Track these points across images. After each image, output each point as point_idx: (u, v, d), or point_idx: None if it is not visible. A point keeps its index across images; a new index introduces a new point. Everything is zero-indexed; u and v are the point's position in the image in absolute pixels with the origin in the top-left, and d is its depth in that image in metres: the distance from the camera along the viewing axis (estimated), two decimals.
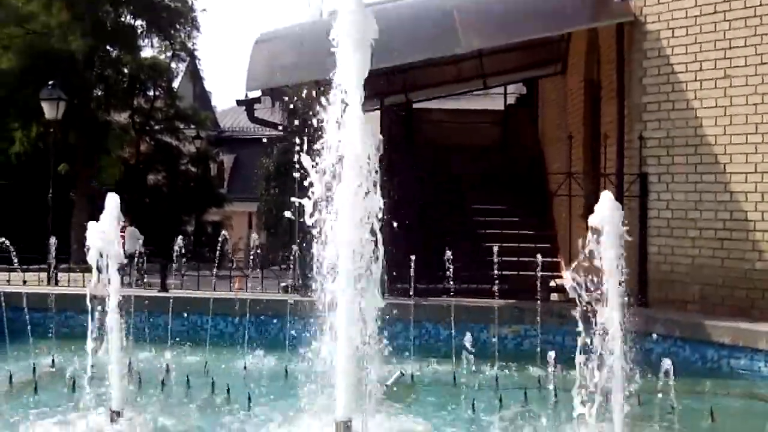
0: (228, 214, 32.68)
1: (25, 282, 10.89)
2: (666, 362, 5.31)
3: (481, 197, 14.06)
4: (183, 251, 9.84)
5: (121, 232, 17.08)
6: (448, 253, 8.72)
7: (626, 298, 5.92)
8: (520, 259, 11.05)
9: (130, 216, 21.27)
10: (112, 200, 6.02)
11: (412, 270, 8.73)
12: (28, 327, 8.11)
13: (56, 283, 12.16)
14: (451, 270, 8.96)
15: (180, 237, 9.10)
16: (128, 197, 25.44)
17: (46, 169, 15.00)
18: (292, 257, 9.02)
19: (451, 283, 8.94)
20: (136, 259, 11.28)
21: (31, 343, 7.94)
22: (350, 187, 6.02)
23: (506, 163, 15.14)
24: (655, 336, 8.07)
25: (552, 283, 11.47)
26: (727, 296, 8.81)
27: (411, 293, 8.92)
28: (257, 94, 10.24)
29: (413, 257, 8.78)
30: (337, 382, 6.03)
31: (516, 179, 14.49)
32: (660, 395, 6.15)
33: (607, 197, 5.52)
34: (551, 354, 5.61)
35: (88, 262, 5.91)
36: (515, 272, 10.75)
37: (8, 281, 10.85)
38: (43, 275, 12.06)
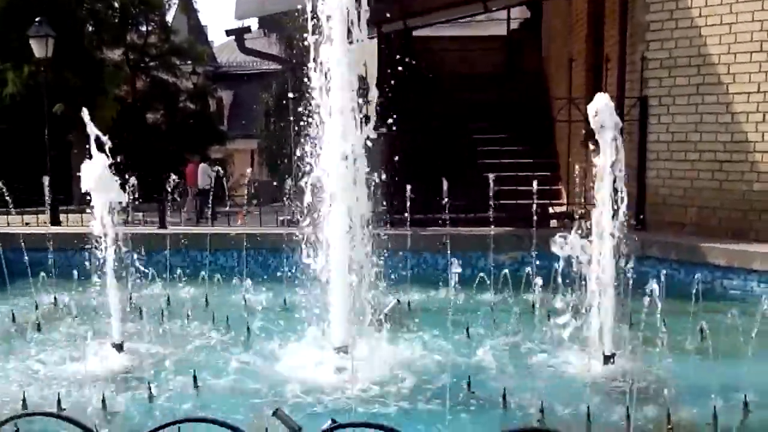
0: (230, 152, 32.54)
1: (27, 224, 10.93)
2: (652, 284, 5.31)
3: (483, 126, 13.87)
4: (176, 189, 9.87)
5: (192, 167, 17.22)
6: (446, 184, 8.66)
7: (622, 217, 5.94)
8: (521, 187, 10.98)
9: (201, 155, 21.36)
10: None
11: (407, 200, 8.69)
12: (29, 267, 8.15)
13: (58, 223, 12.18)
14: (448, 200, 8.93)
15: (173, 175, 9.01)
16: (127, 136, 25.48)
17: (42, 111, 14.80)
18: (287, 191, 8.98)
19: (448, 212, 8.92)
20: (209, 194, 11.52)
21: (32, 282, 8.01)
22: (335, 117, 5.98)
23: (510, 91, 14.85)
24: (651, 258, 8.10)
25: (551, 210, 11.46)
26: (724, 218, 8.78)
27: (407, 223, 8.90)
28: (248, 23, 10.02)
29: (409, 187, 8.72)
30: (332, 310, 6.15)
31: (519, 107, 14.23)
32: (651, 316, 6.20)
33: (602, 96, 5.78)
34: (538, 281, 5.60)
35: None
36: (515, 201, 10.70)
37: (8, 224, 10.86)
38: (44, 216, 12.06)
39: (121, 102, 24.84)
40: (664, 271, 8.04)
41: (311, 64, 5.88)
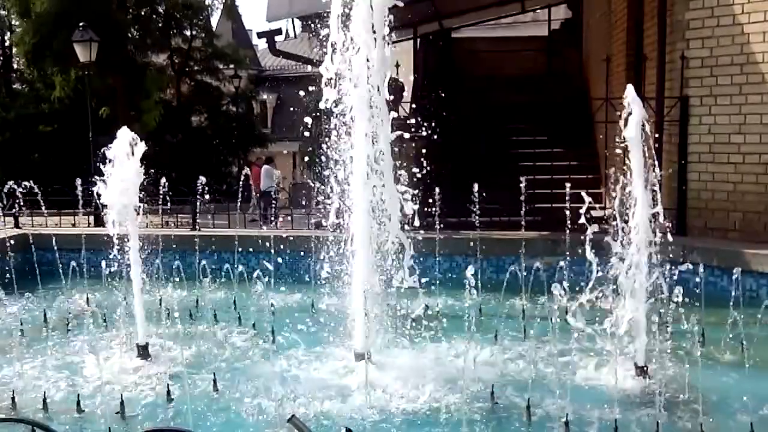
0: (272, 155, 32.78)
1: (74, 225, 11.09)
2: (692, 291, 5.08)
3: (522, 128, 13.63)
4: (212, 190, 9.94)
5: (257, 169, 17.60)
6: (477, 186, 8.51)
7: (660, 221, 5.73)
8: (559, 191, 10.73)
9: (265, 156, 21.70)
10: (123, 139, 6.00)
11: (437, 203, 8.56)
12: (70, 268, 8.25)
13: (102, 225, 12.36)
14: (483, 203, 8.77)
15: (202, 177, 9.07)
16: (171, 139, 25.90)
17: (89, 114, 15.19)
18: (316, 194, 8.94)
19: (482, 216, 8.76)
20: (272, 195, 11.60)
21: (80, 283, 8.10)
22: (361, 122, 5.89)
23: (550, 92, 14.58)
24: (691, 265, 7.78)
25: (591, 214, 11.14)
26: None
27: (439, 226, 8.77)
28: (282, 25, 9.99)
29: (437, 190, 8.59)
30: (353, 315, 6.06)
31: (559, 108, 13.95)
32: (691, 325, 5.95)
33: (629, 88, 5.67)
34: (557, 286, 5.43)
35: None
36: (551, 204, 10.45)
37: (57, 224, 11.05)
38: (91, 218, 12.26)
39: (166, 105, 25.30)
40: (706, 279, 7.82)
41: (330, 65, 5.79)
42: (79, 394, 4.93)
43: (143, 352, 6.07)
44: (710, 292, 7.54)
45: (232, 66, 28.09)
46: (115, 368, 5.75)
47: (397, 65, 10.80)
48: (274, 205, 12.46)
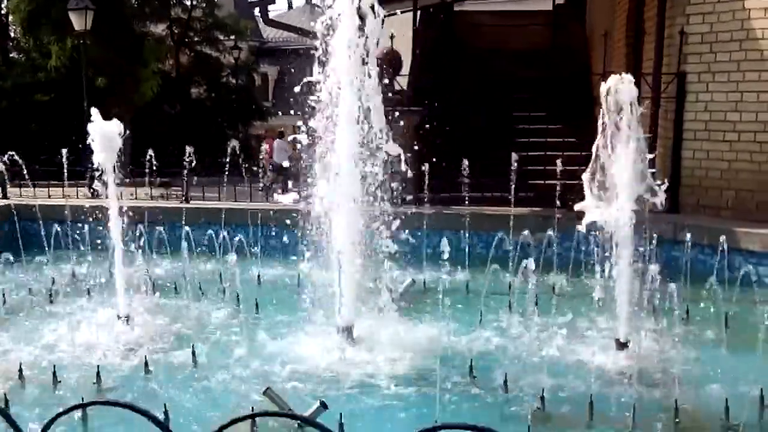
0: (273, 127, 32.56)
1: (68, 196, 11.00)
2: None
3: (523, 104, 13.45)
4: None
5: (270, 142, 17.30)
6: (466, 162, 8.43)
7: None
8: (555, 167, 10.61)
9: (278, 130, 21.52)
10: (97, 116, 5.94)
11: (426, 178, 8.49)
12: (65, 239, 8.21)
13: (97, 196, 12.28)
14: (472, 178, 8.70)
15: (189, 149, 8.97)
16: (169, 110, 25.71)
17: (86, 83, 15.04)
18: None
19: (466, 190, 8.70)
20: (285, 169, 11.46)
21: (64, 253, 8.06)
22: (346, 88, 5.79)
23: (553, 68, 14.35)
24: (682, 243, 7.73)
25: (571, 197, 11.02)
26: (763, 202, 8.32)
27: (429, 201, 8.71)
28: None
29: (426, 168, 8.51)
30: (338, 289, 6.00)
31: (562, 84, 13.74)
32: (677, 302, 5.91)
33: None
34: (529, 263, 5.38)
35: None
36: (544, 181, 10.35)
37: (49, 196, 10.98)
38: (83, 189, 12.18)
39: (164, 76, 25.09)
40: (696, 257, 7.77)
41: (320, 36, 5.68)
42: (55, 366, 4.90)
43: (126, 322, 6.05)
44: (699, 270, 7.51)
45: (232, 37, 27.80)
46: (94, 338, 5.72)
47: (392, 36, 10.67)
48: (286, 177, 12.31)
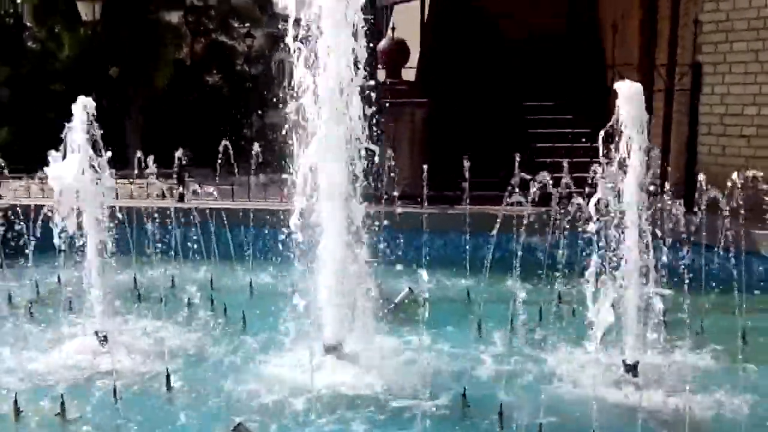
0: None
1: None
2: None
3: (536, 95, 12.99)
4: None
5: None
6: (467, 164, 8.09)
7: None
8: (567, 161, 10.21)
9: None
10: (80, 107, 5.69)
11: (424, 176, 8.15)
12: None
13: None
14: (475, 176, 8.36)
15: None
16: (185, 99, 25.57)
17: (99, 73, 14.89)
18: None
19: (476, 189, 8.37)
20: None
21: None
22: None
23: (567, 58, 13.83)
24: (697, 246, 7.32)
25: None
26: None
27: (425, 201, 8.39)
28: None
29: (425, 166, 8.18)
30: (323, 301, 5.62)
31: (576, 74, 13.22)
32: (691, 312, 5.55)
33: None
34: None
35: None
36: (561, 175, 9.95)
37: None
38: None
39: (180, 64, 24.94)
40: (712, 261, 7.36)
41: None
42: (16, 393, 4.65)
43: (102, 339, 5.76)
44: (716, 275, 7.08)
45: (248, 25, 27.57)
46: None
47: (393, 28, 10.34)
48: None
